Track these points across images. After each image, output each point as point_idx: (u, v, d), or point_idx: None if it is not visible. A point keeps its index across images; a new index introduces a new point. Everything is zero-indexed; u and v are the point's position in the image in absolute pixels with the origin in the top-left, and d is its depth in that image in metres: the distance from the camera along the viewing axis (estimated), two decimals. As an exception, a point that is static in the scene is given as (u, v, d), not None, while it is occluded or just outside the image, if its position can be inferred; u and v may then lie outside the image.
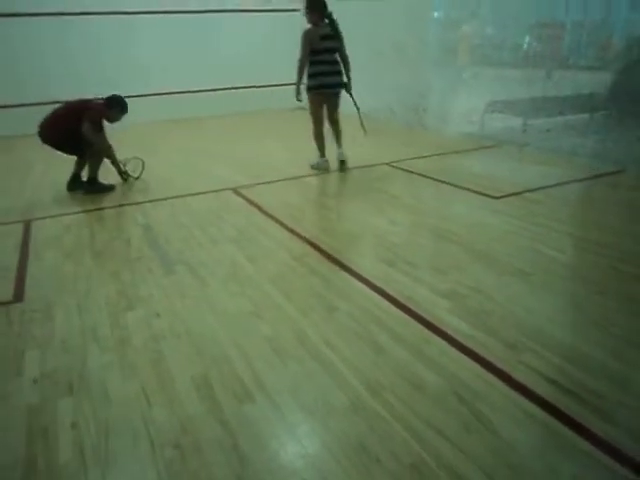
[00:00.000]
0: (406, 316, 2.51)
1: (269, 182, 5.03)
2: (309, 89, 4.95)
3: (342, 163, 5.22)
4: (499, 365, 2.11)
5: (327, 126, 5.28)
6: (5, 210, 4.44)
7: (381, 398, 1.94)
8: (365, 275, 2.96)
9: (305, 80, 4.94)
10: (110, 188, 4.95)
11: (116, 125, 5.02)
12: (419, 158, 5.74)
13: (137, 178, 5.24)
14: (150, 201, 4.57)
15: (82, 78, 8.36)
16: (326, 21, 4.81)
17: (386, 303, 2.64)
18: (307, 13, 4.82)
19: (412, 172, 5.15)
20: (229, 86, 9.73)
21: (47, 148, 4.71)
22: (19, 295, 2.89)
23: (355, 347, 2.28)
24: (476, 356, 2.17)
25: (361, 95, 4.92)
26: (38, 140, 4.64)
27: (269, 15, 9.96)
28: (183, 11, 9.18)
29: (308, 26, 4.83)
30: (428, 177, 4.93)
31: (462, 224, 3.74)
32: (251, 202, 4.42)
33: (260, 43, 9.80)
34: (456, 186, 4.61)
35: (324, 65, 4.86)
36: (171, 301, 2.77)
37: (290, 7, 9.98)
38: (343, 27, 4.92)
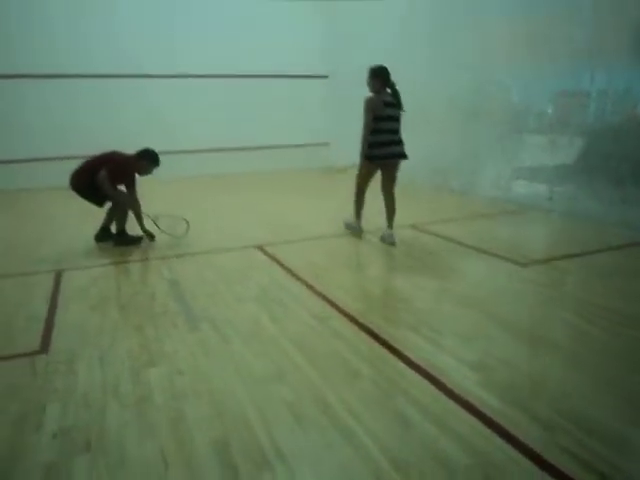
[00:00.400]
0: (432, 387, 2.43)
1: (295, 241, 5.08)
2: (367, 157, 4.81)
3: (391, 245, 4.85)
4: (531, 445, 2.01)
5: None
6: (38, 260, 4.56)
7: (406, 476, 1.86)
8: (389, 340, 2.91)
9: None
10: (138, 240, 5.03)
11: (150, 179, 5.18)
12: (444, 221, 5.76)
13: (179, 237, 5.18)
14: (177, 256, 4.64)
15: (120, 134, 8.75)
16: (388, 90, 4.79)
17: (411, 371, 2.58)
18: (370, 80, 4.78)
19: (437, 235, 5.15)
20: (260, 145, 10.06)
21: (79, 200, 4.87)
22: (45, 346, 2.92)
23: (379, 418, 2.21)
24: (507, 434, 2.08)
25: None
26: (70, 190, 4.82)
27: (300, 80, 10.37)
28: (216, 75, 9.64)
29: (369, 94, 4.78)
30: (453, 241, 4.92)
31: (489, 291, 3.69)
32: (276, 260, 4.45)
33: (290, 105, 10.19)
34: (482, 251, 4.58)
35: (387, 134, 4.77)
36: (195, 358, 2.75)
37: (319, 73, 10.43)
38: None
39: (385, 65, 4.81)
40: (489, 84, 7.89)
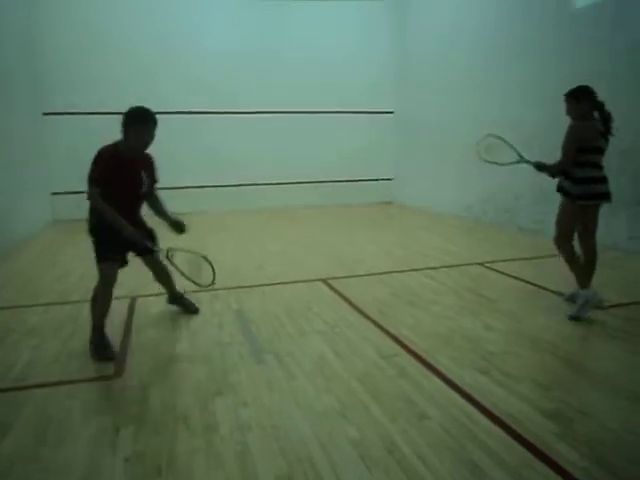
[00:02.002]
0: (504, 434, 2.32)
1: (359, 275, 5.08)
2: (576, 197, 3.82)
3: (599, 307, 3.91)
4: (614, 505, 1.87)
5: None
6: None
7: (477, 527, 1.77)
8: (457, 382, 2.82)
9: (562, 183, 3.94)
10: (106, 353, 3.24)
11: (208, 208, 5.34)
12: (513, 260, 5.58)
13: (204, 286, 3.56)
14: (243, 287, 4.74)
15: (185, 169, 9.28)
16: (595, 114, 3.83)
17: (481, 416, 2.48)
18: (572, 106, 3.85)
19: (507, 274, 4.99)
20: (323, 179, 10.25)
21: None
22: (119, 370, 3.04)
23: (448, 463, 2.13)
24: (587, 491, 1.95)
25: (453, 192, 4.80)
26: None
27: (364, 116, 10.54)
28: (284, 112, 9.99)
29: (569, 120, 3.86)
30: (524, 281, 4.74)
31: (564, 336, 3.51)
32: (340, 294, 4.45)
33: (355, 141, 10.36)
34: (555, 292, 4.39)
35: (594, 169, 3.81)
36: (259, 391, 2.77)
37: (384, 109, 10.57)
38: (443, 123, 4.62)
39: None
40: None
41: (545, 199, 7.07)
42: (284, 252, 6.27)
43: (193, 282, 3.55)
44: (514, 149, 4.12)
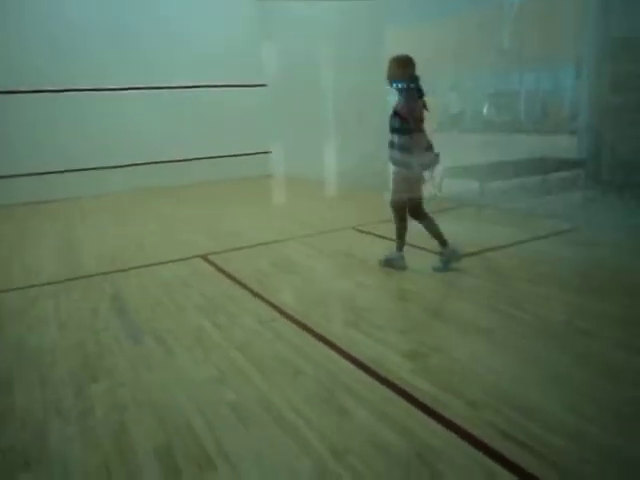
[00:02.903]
0: (368, 377, 2.55)
1: (238, 249, 5.12)
2: (407, 166, 4.03)
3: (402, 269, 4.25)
4: (460, 423, 2.15)
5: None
6: (-31, 283, 4.41)
7: (345, 462, 1.96)
8: (329, 337, 3.01)
9: (393, 153, 4.07)
10: None
11: (87, 192, 5.09)
12: (383, 222, 5.93)
13: None
14: (119, 271, 4.59)
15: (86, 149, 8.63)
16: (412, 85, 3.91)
17: (349, 365, 2.69)
18: (394, 70, 3.90)
19: (375, 235, 5.31)
20: (200, 156, 10.03)
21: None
22: (-21, 370, 2.85)
23: (320, 411, 2.30)
24: (438, 416, 2.21)
25: (330, 161, 5.06)
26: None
27: (238, 90, 10.42)
28: (152, 87, 9.56)
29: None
30: (387, 238, 5.08)
31: (421, 284, 3.87)
32: (219, 269, 4.48)
33: (230, 115, 10.21)
34: (415, 247, 4.76)
35: (424, 137, 4.01)
36: (136, 371, 2.76)
37: (257, 82, 10.53)
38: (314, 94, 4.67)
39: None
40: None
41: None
42: (161, 232, 6.12)
43: None
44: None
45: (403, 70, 3.89)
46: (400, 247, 4.30)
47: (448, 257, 4.16)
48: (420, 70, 3.97)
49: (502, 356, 2.73)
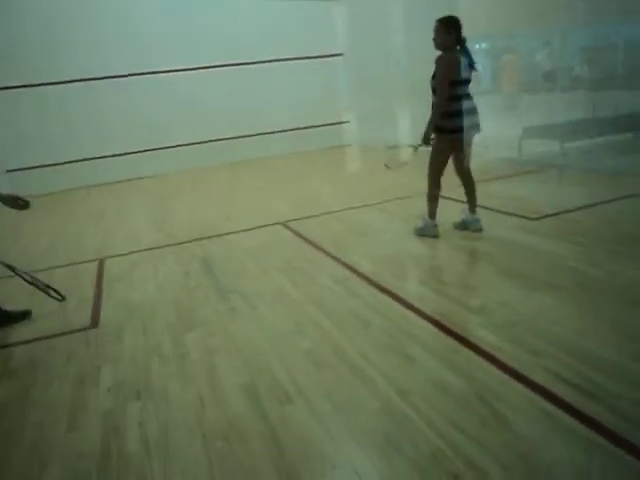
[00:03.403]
0: (435, 329, 2.70)
1: (316, 215, 5.35)
2: (442, 131, 3.97)
3: (478, 231, 4.23)
4: (520, 370, 2.25)
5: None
6: (83, 251, 5.00)
7: (408, 401, 2.14)
8: (399, 294, 3.17)
9: (432, 118, 3.96)
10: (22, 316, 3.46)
11: (176, 167, 5.48)
12: (459, 186, 5.91)
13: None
14: (208, 237, 4.99)
15: (147, 128, 9.31)
16: (458, 48, 3.93)
17: (417, 318, 2.84)
18: (441, 35, 3.87)
19: (451, 199, 5.32)
20: (280, 129, 10.32)
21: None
22: (95, 322, 3.31)
23: (387, 358, 2.49)
24: (500, 363, 2.33)
25: (405, 128, 5.05)
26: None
27: (314, 61, 10.53)
28: (229, 64, 9.89)
29: (438, 53, 3.90)
30: (465, 202, 5.08)
31: (497, 245, 3.89)
32: (298, 234, 4.74)
33: (303, 87, 10.38)
34: (494, 210, 4.75)
35: (464, 101, 3.92)
36: (224, 323, 3.08)
37: (331, 52, 10.58)
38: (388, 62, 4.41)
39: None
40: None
41: (491, 123, 7.39)
42: (246, 203, 6.50)
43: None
44: (409, 146, 4.36)
45: (447, 33, 3.85)
46: (432, 214, 4.28)
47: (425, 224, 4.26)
48: (506, 29, 3.93)
49: (568, 310, 2.77)
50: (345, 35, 10.61)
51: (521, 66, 12.29)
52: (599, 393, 2.04)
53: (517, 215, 4.52)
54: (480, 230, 4.24)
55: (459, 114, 3.91)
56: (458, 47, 3.91)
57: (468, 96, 3.96)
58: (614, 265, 3.29)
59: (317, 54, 10.50)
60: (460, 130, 3.95)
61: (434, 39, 3.91)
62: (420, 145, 4.08)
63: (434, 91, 3.97)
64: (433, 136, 4.00)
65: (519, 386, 2.15)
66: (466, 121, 3.93)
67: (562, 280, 3.15)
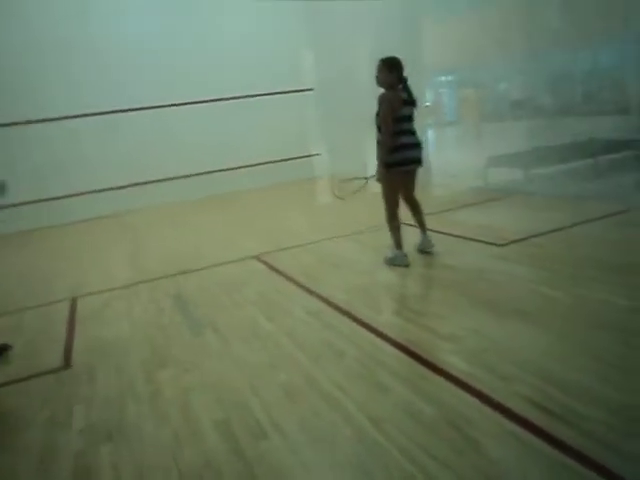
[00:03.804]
0: (406, 357, 2.75)
1: (287, 248, 5.41)
2: (389, 165, 4.16)
3: (429, 252, 4.56)
4: (491, 395, 2.31)
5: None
6: (55, 290, 4.94)
7: (380, 428, 2.17)
8: (372, 324, 3.23)
9: (378, 154, 4.22)
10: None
11: (142, 205, 5.52)
12: (429, 215, 6.05)
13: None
14: (181, 273, 4.99)
15: (122, 165, 9.31)
16: (400, 86, 4.17)
17: (389, 347, 2.89)
18: (383, 74, 4.12)
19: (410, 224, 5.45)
20: (251, 163, 10.44)
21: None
22: (67, 362, 3.27)
23: (360, 387, 2.52)
24: (471, 389, 2.38)
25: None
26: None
27: (285, 96, 10.77)
28: (200, 101, 10.05)
29: (381, 90, 4.16)
30: (435, 231, 5.21)
31: (466, 272, 3.99)
32: (271, 267, 4.79)
33: (275, 122, 10.57)
34: (462, 237, 4.88)
35: (406, 136, 4.17)
36: (198, 359, 3.08)
37: (301, 87, 10.85)
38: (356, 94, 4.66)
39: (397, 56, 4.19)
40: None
41: (456, 153, 7.63)
42: (220, 237, 6.52)
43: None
44: (361, 178, 4.62)
45: (389, 72, 4.12)
46: (399, 245, 4.41)
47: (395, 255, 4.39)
48: (467, 61, 4.18)
49: (537, 335, 2.85)
50: (315, 71, 10.90)
51: (484, 96, 12.80)
52: (569, 416, 2.10)
53: (484, 242, 4.66)
54: (432, 247, 4.55)
55: (403, 148, 4.16)
56: (400, 85, 4.16)
57: (411, 132, 4.22)
58: (580, 289, 3.41)
59: (288, 89, 10.75)
60: (406, 163, 4.21)
61: (376, 77, 4.18)
62: (371, 177, 4.35)
63: (379, 128, 4.20)
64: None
65: (490, 411, 2.21)
66: (410, 154, 4.20)
67: (530, 305, 3.25)
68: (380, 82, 4.17)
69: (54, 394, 2.88)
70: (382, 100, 4.08)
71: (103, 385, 2.91)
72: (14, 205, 8.67)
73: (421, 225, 4.61)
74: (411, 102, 4.18)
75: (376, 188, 4.41)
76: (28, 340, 3.76)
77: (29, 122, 8.74)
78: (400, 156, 4.16)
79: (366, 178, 4.46)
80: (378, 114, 4.18)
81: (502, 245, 4.52)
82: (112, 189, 9.33)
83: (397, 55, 4.20)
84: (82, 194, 9.15)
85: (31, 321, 4.18)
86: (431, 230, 4.66)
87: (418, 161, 4.29)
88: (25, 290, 5.17)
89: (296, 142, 10.92)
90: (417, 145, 4.26)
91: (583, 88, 7.96)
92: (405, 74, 4.18)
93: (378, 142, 4.23)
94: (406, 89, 4.19)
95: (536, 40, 8.31)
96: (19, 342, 3.74)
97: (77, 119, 9.03)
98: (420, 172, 4.50)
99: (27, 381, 3.10)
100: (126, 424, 2.48)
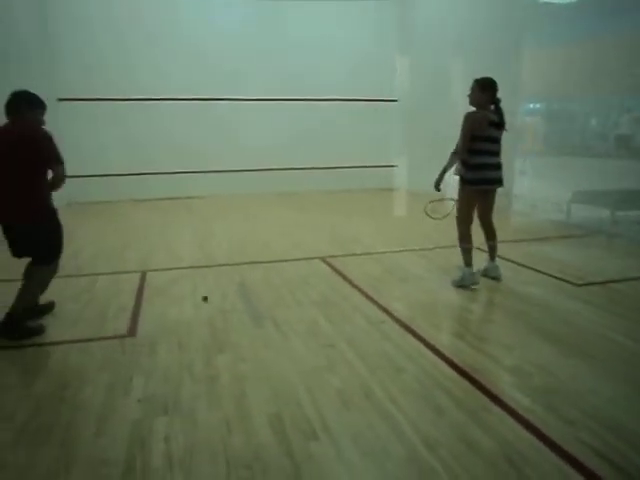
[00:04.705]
0: (467, 384, 2.65)
1: (356, 255, 5.39)
2: (466, 182, 4.19)
3: (495, 279, 4.44)
4: (553, 437, 2.18)
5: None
6: (127, 261, 5.15)
7: (435, 453, 2.10)
8: (435, 344, 3.14)
9: (455, 172, 4.30)
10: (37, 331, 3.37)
11: (220, 192, 5.64)
12: (505, 242, 5.85)
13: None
14: (247, 263, 5.08)
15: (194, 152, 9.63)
16: (492, 107, 4.17)
17: (450, 370, 2.80)
18: (475, 92, 4.14)
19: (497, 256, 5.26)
20: (330, 166, 10.50)
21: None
22: (132, 331, 3.39)
23: (416, 405, 2.45)
24: (533, 428, 2.26)
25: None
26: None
27: (369, 104, 10.76)
28: (292, 99, 10.21)
29: (471, 109, 4.16)
30: (511, 261, 5.03)
31: (537, 305, 3.82)
32: (337, 271, 4.77)
33: (355, 128, 10.58)
34: (537, 271, 4.68)
35: (488, 156, 4.16)
36: (256, 349, 3.11)
37: (388, 97, 10.80)
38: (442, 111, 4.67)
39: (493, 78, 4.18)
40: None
41: (538, 185, 7.34)
42: (288, 233, 6.59)
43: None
44: (451, 199, 4.49)
45: (481, 92, 4.13)
46: (468, 263, 4.31)
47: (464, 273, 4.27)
48: (562, 92, 4.04)
49: (605, 382, 2.67)
50: (402, 83, 10.82)
51: (572, 130, 12.23)
52: (633, 470, 1.96)
53: (559, 278, 4.44)
54: (499, 278, 4.41)
55: (484, 167, 4.16)
56: (492, 106, 4.16)
57: (495, 153, 4.20)
58: (657, 343, 3.18)
59: (373, 97, 10.74)
60: (481, 182, 4.19)
61: (469, 96, 4.19)
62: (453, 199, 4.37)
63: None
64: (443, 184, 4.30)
65: (550, 453, 2.08)
66: (490, 175, 4.20)
67: (600, 350, 3.06)
68: (472, 101, 4.18)
69: (116, 360, 2.99)
70: (467, 117, 4.10)
71: (163, 359, 2.99)
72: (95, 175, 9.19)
73: (492, 251, 4.52)
74: (500, 124, 4.16)
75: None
76: (98, 304, 3.93)
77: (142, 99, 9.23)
78: (480, 175, 4.16)
79: (454, 199, 4.41)
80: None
81: (579, 285, 4.29)
82: (185, 172, 9.67)
83: (490, 75, 4.17)
84: (155, 174, 9.53)
85: (103, 286, 4.37)
86: (506, 259, 4.51)
87: (498, 181, 4.25)
88: (99, 257, 5.42)
89: (376, 151, 10.89)
90: (498, 166, 4.23)
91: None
92: (499, 96, 4.16)
93: (452, 155, 4.32)
94: (498, 111, 4.17)
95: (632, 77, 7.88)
96: (89, 304, 3.92)
97: (160, 101, 9.45)
98: (500, 198, 4.37)
99: (90, 342, 3.24)
100: (182, 402, 2.52)
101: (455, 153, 4.27)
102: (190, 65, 9.59)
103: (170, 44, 9.49)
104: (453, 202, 4.42)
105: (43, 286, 3.47)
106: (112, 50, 9.22)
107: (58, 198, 3.52)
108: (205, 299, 3.59)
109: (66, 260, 5.25)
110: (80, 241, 6.10)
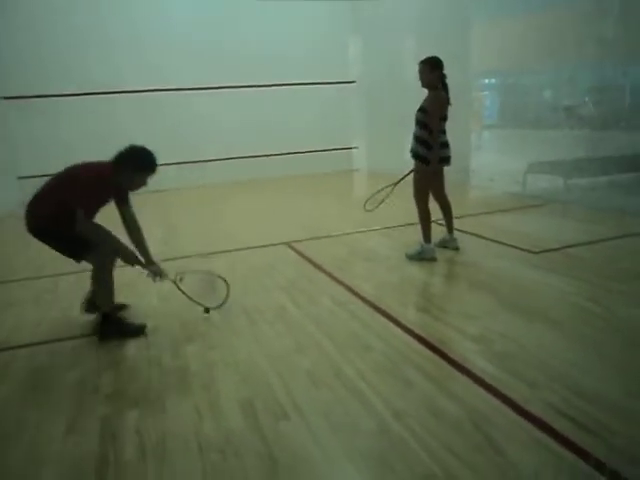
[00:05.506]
0: (433, 355, 2.72)
1: (319, 237, 5.41)
2: (429, 162, 4.24)
3: (455, 249, 4.63)
4: (517, 400, 2.27)
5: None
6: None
7: (404, 423, 2.16)
8: (401, 320, 3.20)
9: (418, 150, 4.31)
10: (138, 330, 3.26)
11: (181, 184, 5.59)
12: (464, 216, 5.97)
13: (208, 310, 3.52)
14: (213, 253, 5.05)
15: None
16: (440, 85, 4.21)
17: (416, 344, 2.87)
18: (426, 73, 4.16)
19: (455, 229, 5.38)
20: (290, 151, 10.46)
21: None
22: (97, 328, 3.35)
23: (385, 380, 2.51)
24: (496, 392, 2.35)
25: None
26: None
27: (328, 86, 10.74)
28: (247, 86, 10.10)
29: (424, 91, 4.25)
30: (469, 233, 5.14)
31: (498, 275, 3.93)
32: (302, 255, 4.79)
33: (314, 112, 10.55)
34: (497, 242, 4.80)
35: (444, 135, 4.29)
36: (225, 337, 3.12)
37: (346, 79, 10.79)
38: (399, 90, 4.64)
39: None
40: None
41: (496, 158, 7.50)
42: (253, 221, 6.57)
43: (200, 304, 3.52)
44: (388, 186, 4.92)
45: (431, 72, 4.17)
46: (428, 239, 4.47)
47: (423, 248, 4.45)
48: (513, 65, 4.16)
49: (567, 344, 2.79)
50: (359, 64, 10.83)
51: (527, 103, 12.52)
52: (596, 428, 2.06)
53: (519, 248, 4.57)
54: (457, 248, 4.63)
55: (442, 147, 4.29)
56: (440, 85, 4.22)
57: (445, 131, 4.32)
58: (614, 303, 3.32)
59: (331, 80, 10.71)
60: (443, 161, 4.34)
61: (420, 79, 4.23)
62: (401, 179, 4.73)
63: (418, 123, 4.29)
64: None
65: (515, 416, 2.17)
66: (447, 153, 4.37)
67: (562, 314, 3.18)
68: (424, 83, 4.23)
69: (85, 357, 2.95)
70: (434, 99, 4.17)
71: (132, 355, 2.96)
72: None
73: (449, 224, 4.71)
74: (448, 102, 4.25)
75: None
76: (62, 304, 3.85)
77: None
78: (442, 154, 4.29)
79: (394, 184, 4.77)
80: (420, 110, 4.24)
81: (537, 252, 4.43)
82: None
83: (443, 54, 4.24)
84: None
85: (66, 287, 4.29)
86: (465, 232, 4.61)
87: (448, 159, 4.41)
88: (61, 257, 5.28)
89: (335, 134, 10.88)
90: (448, 144, 4.37)
91: (631, 101, 7.71)
92: (444, 72, 4.23)
93: (416, 138, 4.31)
94: (444, 88, 4.24)
95: (588, 50, 8.09)
96: (53, 305, 3.84)
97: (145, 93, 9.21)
98: (458, 173, 4.50)
99: (60, 342, 3.19)
100: (151, 393, 2.52)
101: (418, 137, 4.30)
102: (140, 56, 9.33)
103: (123, 36, 9.21)
104: (393, 186, 4.82)
105: (108, 273, 3.31)
106: (66, 45, 8.90)
107: (8, 198, 3.40)
108: (207, 311, 3.48)
109: (25, 262, 5.15)
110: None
